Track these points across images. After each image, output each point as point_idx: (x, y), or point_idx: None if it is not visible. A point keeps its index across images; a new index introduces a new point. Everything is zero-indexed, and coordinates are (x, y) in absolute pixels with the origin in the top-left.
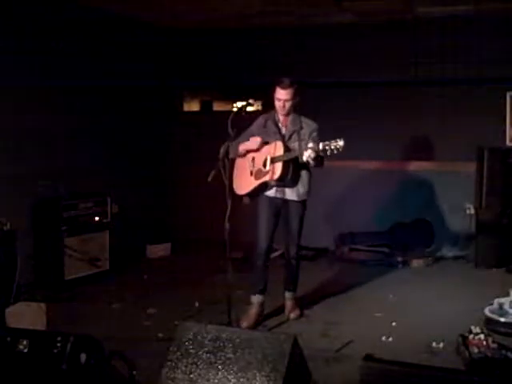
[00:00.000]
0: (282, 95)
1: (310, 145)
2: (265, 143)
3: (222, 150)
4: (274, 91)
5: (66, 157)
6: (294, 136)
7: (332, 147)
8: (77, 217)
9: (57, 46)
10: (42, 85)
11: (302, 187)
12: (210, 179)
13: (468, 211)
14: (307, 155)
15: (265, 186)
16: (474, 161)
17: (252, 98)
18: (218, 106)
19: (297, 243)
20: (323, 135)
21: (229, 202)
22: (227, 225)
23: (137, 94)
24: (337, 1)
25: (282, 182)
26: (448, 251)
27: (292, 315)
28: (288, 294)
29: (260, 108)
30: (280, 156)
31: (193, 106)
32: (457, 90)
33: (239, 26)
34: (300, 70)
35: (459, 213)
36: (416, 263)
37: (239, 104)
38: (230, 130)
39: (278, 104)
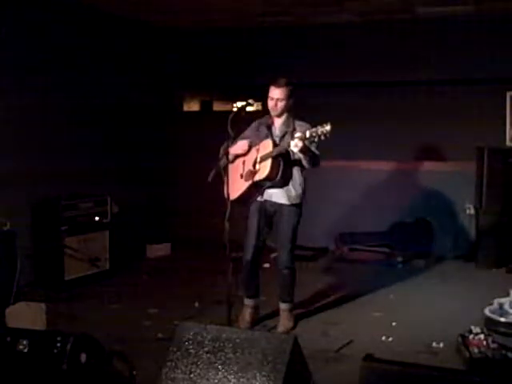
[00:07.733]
0: (274, 94)
1: (297, 134)
2: (254, 145)
3: (221, 151)
4: (268, 91)
5: (66, 157)
6: (287, 136)
7: (319, 132)
8: (77, 217)
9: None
10: (42, 84)
11: (293, 190)
12: (210, 179)
13: (468, 211)
14: (294, 144)
15: (256, 188)
16: (473, 161)
17: (252, 98)
18: (217, 106)
19: (289, 251)
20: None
21: (228, 202)
22: (227, 225)
23: (137, 93)
24: (337, 0)
25: (270, 181)
26: (448, 251)
27: (281, 328)
28: (282, 305)
29: (260, 108)
30: (269, 152)
31: (193, 106)
32: (457, 90)
33: (239, 26)
34: (300, 70)
35: (459, 213)
36: (416, 263)
37: (239, 104)
38: (229, 129)
39: (270, 103)
